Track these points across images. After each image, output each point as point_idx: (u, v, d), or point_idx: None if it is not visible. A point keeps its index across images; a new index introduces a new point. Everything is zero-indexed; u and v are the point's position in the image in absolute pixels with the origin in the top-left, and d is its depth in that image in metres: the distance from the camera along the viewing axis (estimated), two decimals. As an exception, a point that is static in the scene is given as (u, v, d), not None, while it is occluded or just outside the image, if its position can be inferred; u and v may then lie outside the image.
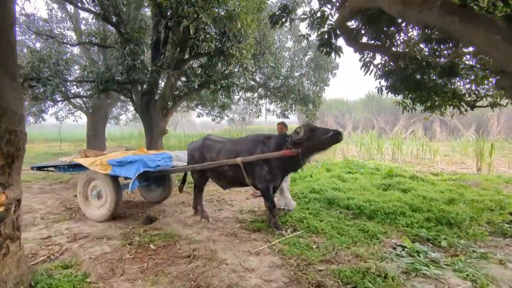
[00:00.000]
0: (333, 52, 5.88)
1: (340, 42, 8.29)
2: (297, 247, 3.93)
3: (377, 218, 5.12)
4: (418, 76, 6.16)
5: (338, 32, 5.74)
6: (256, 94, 14.93)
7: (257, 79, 13.07)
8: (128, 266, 3.38)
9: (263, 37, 11.54)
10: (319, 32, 5.77)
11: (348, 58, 10.05)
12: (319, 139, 4.17)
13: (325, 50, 5.90)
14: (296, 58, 13.85)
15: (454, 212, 5.24)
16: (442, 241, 4.10)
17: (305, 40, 13.10)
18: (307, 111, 13.24)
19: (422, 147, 14.98)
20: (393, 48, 6.23)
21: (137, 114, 21.67)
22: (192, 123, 53.96)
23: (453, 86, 6.30)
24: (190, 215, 5.47)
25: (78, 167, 5.32)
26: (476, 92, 6.35)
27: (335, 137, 4.09)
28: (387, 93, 6.94)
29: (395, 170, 9.26)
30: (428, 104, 6.44)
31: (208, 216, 5.14)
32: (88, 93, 9.99)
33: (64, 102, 15.19)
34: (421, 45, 6.25)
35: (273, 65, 12.10)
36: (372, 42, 6.30)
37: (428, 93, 6.36)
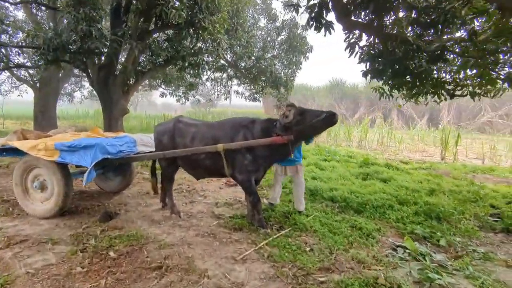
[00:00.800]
0: (323, 28, 5.26)
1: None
2: (288, 250, 3.39)
3: (365, 212, 4.75)
4: (406, 61, 5.84)
5: (330, 5, 5.13)
6: (225, 75, 14.02)
7: (228, 58, 12.16)
8: (79, 285, 2.60)
9: (236, 13, 10.63)
10: (309, 4, 5.11)
11: (316, 44, 9.56)
12: (310, 123, 3.59)
13: (314, 25, 5.28)
14: (269, 38, 13.11)
15: (439, 204, 5.05)
16: (441, 240, 3.80)
17: (280, 19, 12.40)
18: (279, 94, 12.68)
19: (387, 135, 15.24)
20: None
21: (94, 91, 19.83)
22: (153, 103, 51.24)
23: (440, 73, 6.06)
24: (157, 208, 4.71)
25: (14, 151, 4.27)
26: (458, 80, 6.14)
27: (329, 119, 3.52)
28: (371, 78, 6.57)
29: (369, 158, 9.09)
30: (414, 91, 6.15)
31: (179, 211, 4.43)
32: (35, 63, 8.44)
33: (5, 73, 13.10)
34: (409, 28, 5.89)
35: (246, 43, 11.28)
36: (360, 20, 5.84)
37: (416, 79, 6.07)
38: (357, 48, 6.31)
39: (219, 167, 3.99)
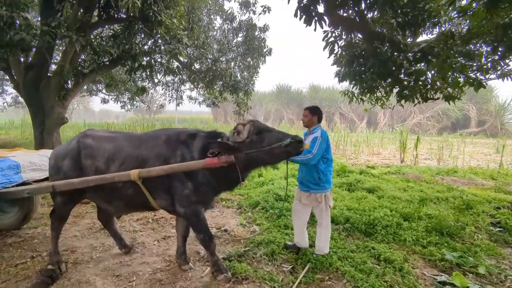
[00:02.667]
0: (314, 21, 4.55)
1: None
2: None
3: (376, 234, 4.11)
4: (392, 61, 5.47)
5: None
6: (177, 78, 12.68)
7: (181, 60, 10.91)
8: None
9: (192, 10, 9.52)
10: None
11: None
12: (269, 147, 2.66)
13: (303, 17, 4.53)
14: (226, 40, 12.15)
15: (440, 217, 4.68)
16: (479, 267, 3.28)
17: (237, 20, 11.56)
18: (238, 99, 11.79)
19: (344, 138, 15.31)
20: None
21: (19, 97, 16.66)
22: (90, 110, 46.34)
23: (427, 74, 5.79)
24: (119, 253, 3.47)
25: None
26: (438, 83, 5.96)
27: (294, 146, 2.66)
28: (349, 80, 6.13)
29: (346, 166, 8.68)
30: (402, 93, 5.79)
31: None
32: None
33: None
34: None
35: (202, 44, 10.19)
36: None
37: (402, 81, 5.73)
38: (336, 48, 5.81)
39: (145, 199, 2.91)
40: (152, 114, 32.25)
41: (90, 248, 3.60)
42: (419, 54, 5.22)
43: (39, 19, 7.49)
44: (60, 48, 8.96)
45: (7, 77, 8.67)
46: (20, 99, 16.16)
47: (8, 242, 3.65)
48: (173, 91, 13.16)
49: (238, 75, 12.20)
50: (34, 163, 3.56)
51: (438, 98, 5.85)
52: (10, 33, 4.90)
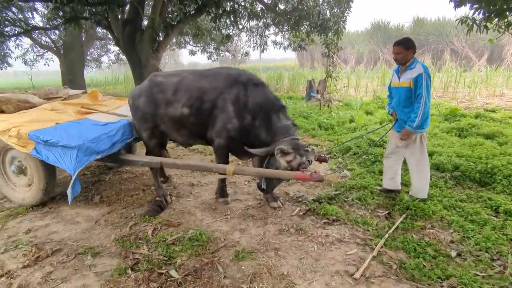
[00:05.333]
0: None
1: None
2: (424, 256, 2.28)
3: (495, 184, 3.46)
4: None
5: None
6: (261, 23, 12.27)
7: (265, 1, 10.40)
8: None
9: None
10: None
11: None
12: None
13: None
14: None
15: None
16: None
17: None
18: (327, 40, 10.85)
19: (455, 78, 13.02)
20: None
21: (120, 53, 18.83)
22: (179, 63, 49.63)
23: None
24: (212, 188, 3.74)
25: None
26: None
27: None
28: (467, 5, 4.86)
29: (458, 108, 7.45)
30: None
31: (226, 195, 3.43)
32: (51, 24, 7.44)
33: (25, 40, 12.32)
34: None
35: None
36: None
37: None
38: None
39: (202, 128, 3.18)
40: (237, 63, 32.78)
41: (189, 185, 3.96)
42: None
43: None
44: (150, 3, 9.42)
45: (110, 37, 9.61)
46: (122, 56, 18.19)
47: (124, 177, 4.28)
48: (258, 36, 12.87)
49: (327, 12, 11.11)
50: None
51: None
52: (108, -12, 5.26)
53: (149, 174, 4.17)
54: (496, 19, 5.06)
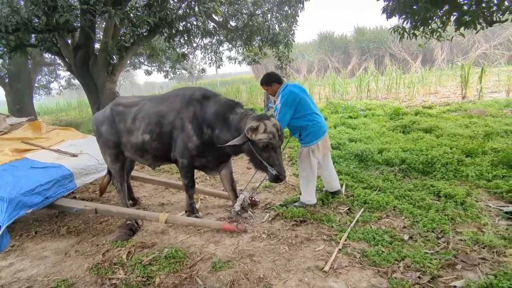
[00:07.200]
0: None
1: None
2: (383, 243, 2.56)
3: (435, 172, 3.93)
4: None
5: None
6: (214, 40, 12.56)
7: (217, 19, 10.71)
8: None
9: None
10: None
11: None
12: (263, 161, 2.87)
13: None
14: (258, -9, 11.53)
15: (509, 149, 4.28)
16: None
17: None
18: (279, 52, 11.42)
19: (395, 81, 14.25)
20: None
21: (72, 80, 17.97)
22: (135, 84, 48.55)
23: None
24: (183, 205, 3.80)
25: None
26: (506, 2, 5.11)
27: (273, 178, 2.89)
28: (397, 14, 5.50)
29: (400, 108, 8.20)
30: (461, 20, 5.11)
31: (197, 215, 3.39)
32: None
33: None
34: None
35: (236, -2, 9.83)
36: None
37: (460, 5, 5.03)
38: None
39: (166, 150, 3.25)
40: (194, 80, 32.80)
41: (159, 205, 3.98)
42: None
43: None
44: (102, 25, 9.29)
45: (59, 62, 9.27)
46: (73, 81, 17.35)
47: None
48: (212, 53, 13.12)
49: (277, 27, 11.68)
50: (84, 168, 3.69)
51: (506, 20, 5.07)
52: (55, 16, 5.18)
53: (116, 199, 4.13)
54: (422, 27, 5.77)
